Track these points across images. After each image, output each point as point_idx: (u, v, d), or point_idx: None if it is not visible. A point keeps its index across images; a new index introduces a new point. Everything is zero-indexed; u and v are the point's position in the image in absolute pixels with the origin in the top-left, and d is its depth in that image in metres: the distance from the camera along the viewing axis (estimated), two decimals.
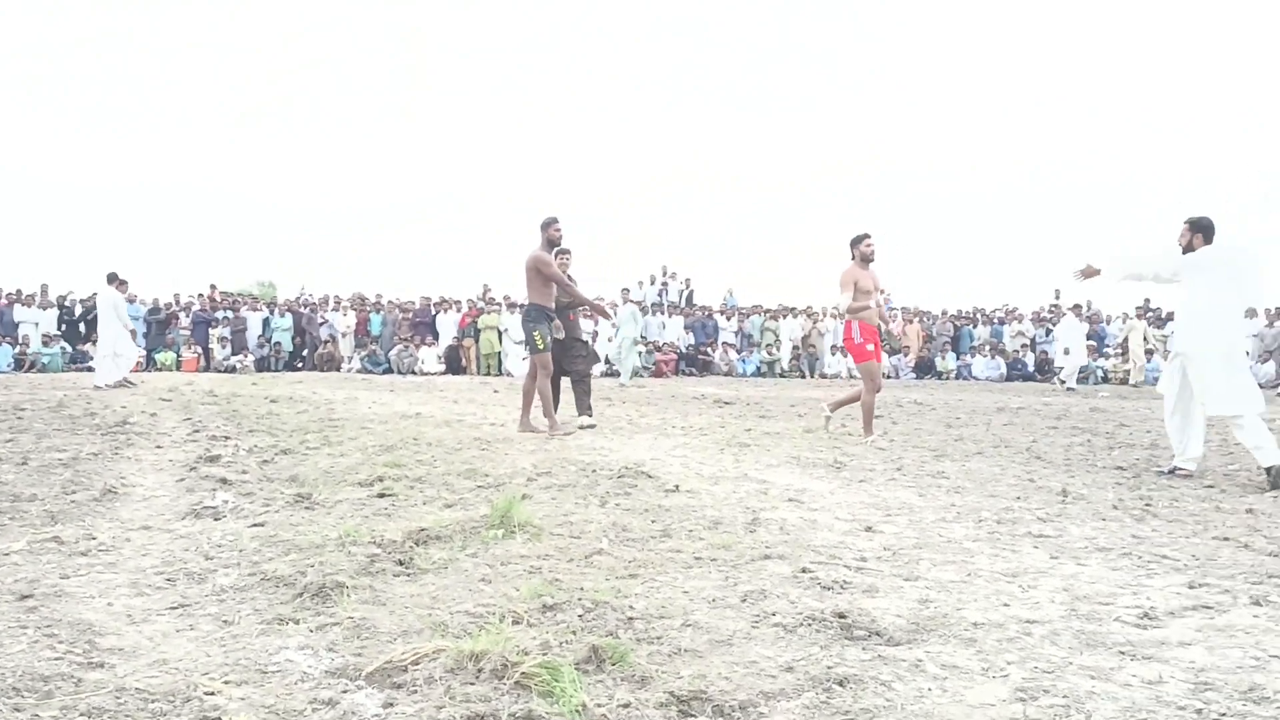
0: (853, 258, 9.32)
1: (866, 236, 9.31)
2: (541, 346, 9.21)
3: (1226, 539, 4.66)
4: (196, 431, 9.02)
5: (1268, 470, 6.52)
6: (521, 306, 10.42)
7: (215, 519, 4.96)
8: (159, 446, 7.98)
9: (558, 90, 62.99)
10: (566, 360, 9.81)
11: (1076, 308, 23.38)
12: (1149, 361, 24.34)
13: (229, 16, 59.07)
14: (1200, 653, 2.94)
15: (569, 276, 9.72)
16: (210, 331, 24.63)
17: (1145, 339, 24.37)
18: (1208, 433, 7.33)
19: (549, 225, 9.36)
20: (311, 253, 51.46)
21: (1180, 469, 7.11)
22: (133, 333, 18.57)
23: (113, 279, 17.43)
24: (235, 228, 54.15)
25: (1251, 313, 22.74)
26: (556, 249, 9.49)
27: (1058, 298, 28.64)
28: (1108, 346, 26.41)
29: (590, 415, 9.91)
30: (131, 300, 24.32)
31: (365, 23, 62.46)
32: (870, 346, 9.34)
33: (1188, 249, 7.14)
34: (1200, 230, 7.14)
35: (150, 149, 55.68)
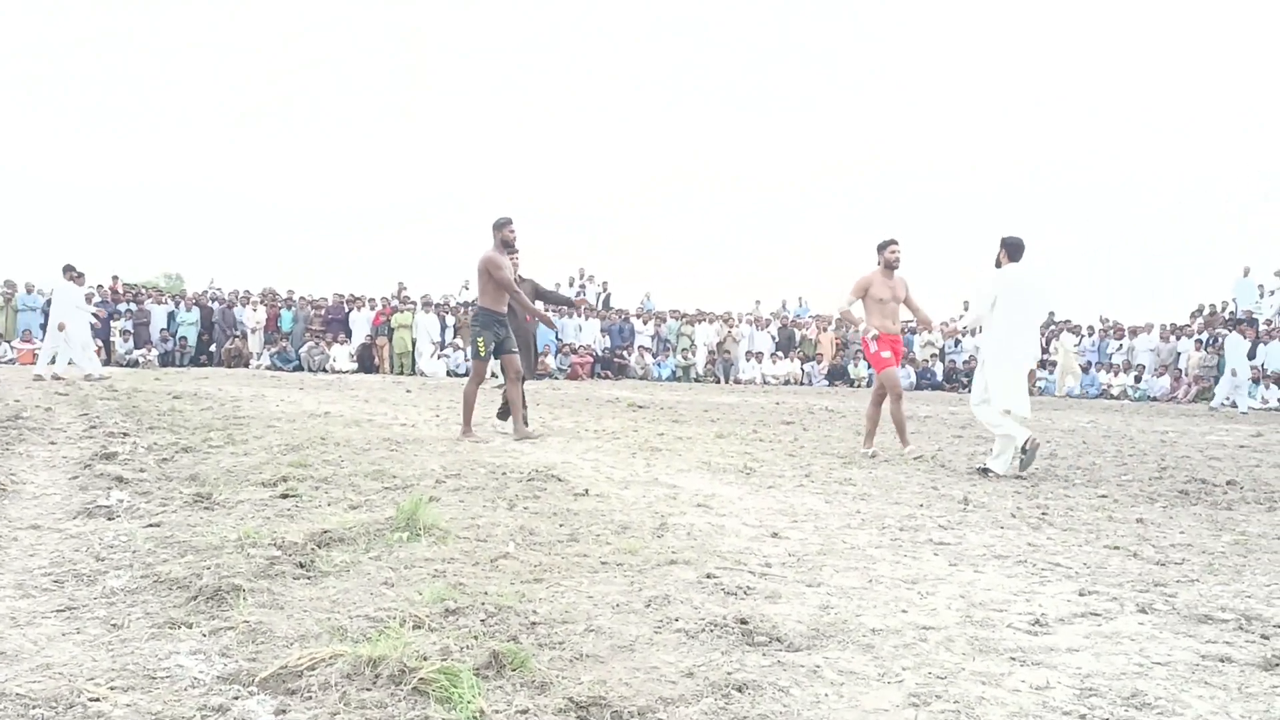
0: (877, 263, 9.02)
1: (892, 243, 9.01)
2: (483, 353, 9.05)
3: (1117, 548, 4.82)
4: (93, 428, 8.73)
5: (982, 470, 7.71)
6: (471, 307, 10.24)
7: (108, 519, 4.81)
8: (53, 443, 7.70)
9: (558, 90, 62.87)
10: (525, 365, 9.76)
11: (1241, 324, 22.81)
12: (1051, 373, 25.07)
13: (229, 16, 57.82)
14: (1087, 659, 3.04)
15: (518, 276, 9.60)
16: (111, 324, 23.85)
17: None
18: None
19: (503, 226, 9.11)
20: (311, 252, 50.52)
21: (992, 470, 7.71)
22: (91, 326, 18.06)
23: (68, 270, 16.99)
24: (232, 227, 53.11)
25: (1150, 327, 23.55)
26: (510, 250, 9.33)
27: (966, 308, 29.28)
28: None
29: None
30: (30, 290, 23.51)
31: (365, 22, 61.76)
32: (887, 354, 9.04)
33: (997, 264, 7.90)
34: (1007, 248, 7.86)
35: (147, 148, 54.61)
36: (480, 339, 9.09)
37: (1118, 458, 9.25)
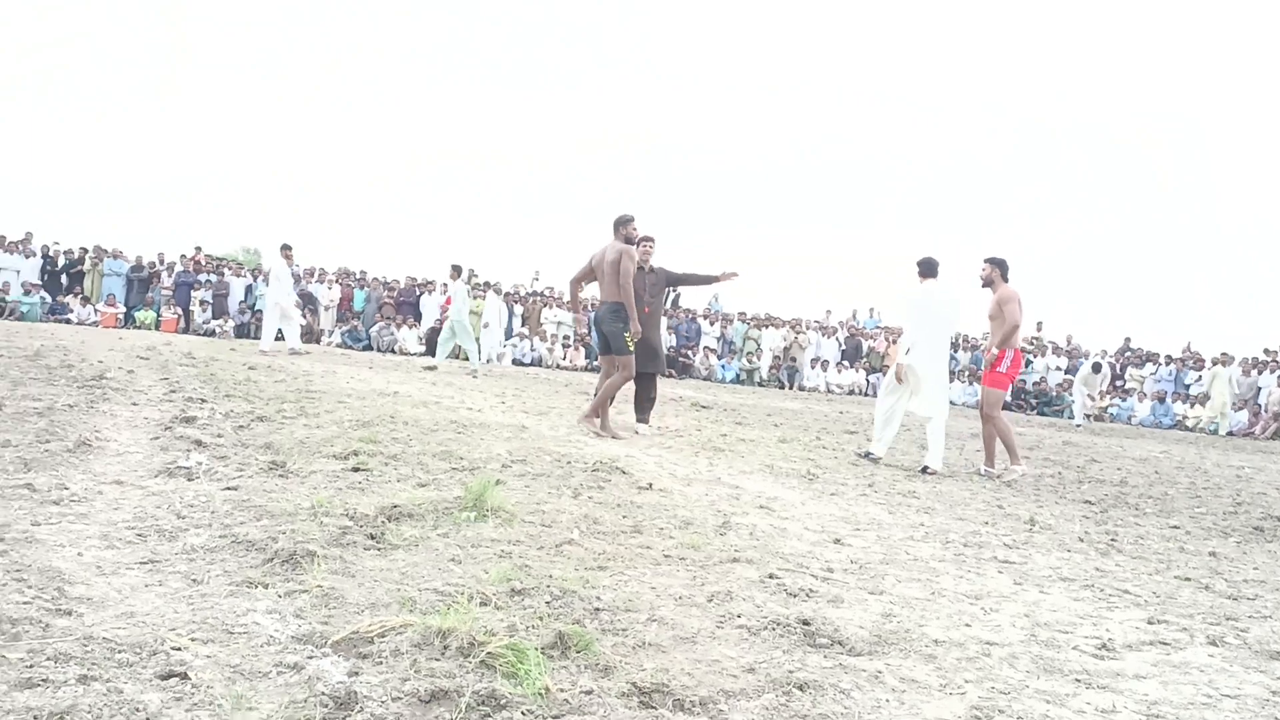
0: (1005, 279, 8.83)
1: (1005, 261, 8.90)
2: (631, 347, 8.94)
3: (1188, 579, 4.73)
4: (173, 392, 8.98)
5: (924, 469, 8.47)
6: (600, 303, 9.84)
7: (188, 479, 4.96)
8: (134, 404, 7.94)
9: (321, 65, 62.36)
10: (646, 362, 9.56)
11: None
12: (1125, 401, 24.57)
13: None
14: (1154, 686, 3.00)
15: (650, 266, 9.54)
16: (192, 294, 24.47)
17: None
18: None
19: (626, 224, 8.94)
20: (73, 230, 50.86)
21: (873, 454, 8.77)
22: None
23: (284, 249, 17.93)
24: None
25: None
26: (643, 239, 9.33)
27: (1039, 329, 28.84)
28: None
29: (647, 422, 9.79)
30: (116, 256, 24.23)
31: None
32: (1003, 369, 8.90)
33: (918, 279, 8.80)
34: (920, 267, 8.77)
35: None
36: (626, 334, 8.92)
37: (1191, 490, 9.05)
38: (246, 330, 24.32)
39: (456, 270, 18.26)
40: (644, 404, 9.84)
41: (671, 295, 29.86)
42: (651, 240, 9.58)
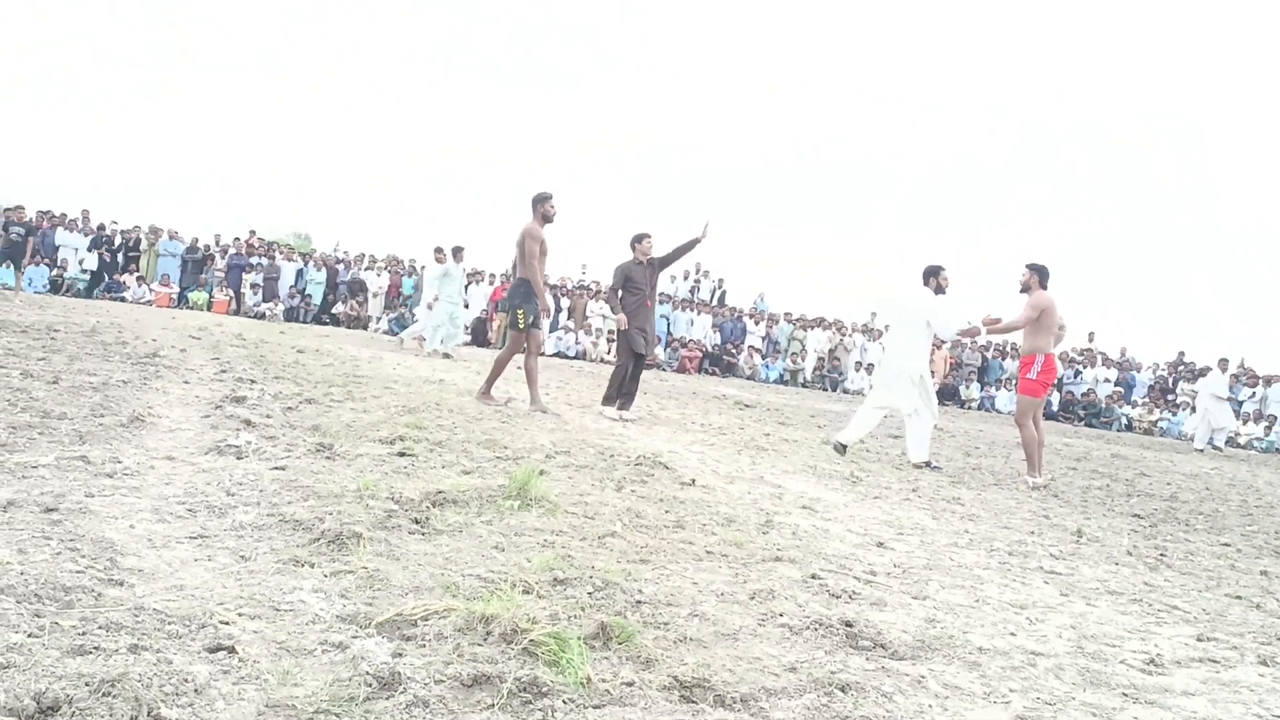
0: (1044, 286, 8.74)
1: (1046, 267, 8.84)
2: (523, 325, 9.15)
3: (1239, 597, 4.64)
4: (224, 372, 9.11)
5: (926, 464, 8.79)
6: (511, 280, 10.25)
7: (238, 458, 5.02)
8: (186, 382, 8.06)
9: (321, 65, 62.19)
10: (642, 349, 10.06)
11: (1223, 361, 21.49)
12: (1175, 415, 24.13)
13: None
14: (1203, 704, 2.94)
15: (648, 259, 9.98)
16: (244, 276, 24.81)
17: None
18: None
19: (544, 201, 9.13)
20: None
21: (841, 442, 8.96)
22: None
23: (457, 252, 17.76)
24: None
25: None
26: (639, 234, 9.86)
27: (1091, 340, 28.44)
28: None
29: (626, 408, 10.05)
30: (172, 237, 24.61)
31: None
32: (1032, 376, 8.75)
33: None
34: (928, 276, 9.13)
35: None
36: (521, 310, 9.13)
37: (1243, 507, 8.87)
38: (296, 314, 24.63)
39: (457, 251, 17.96)
40: (629, 391, 10.16)
41: (717, 292, 29.82)
42: (649, 236, 10.02)
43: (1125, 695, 2.92)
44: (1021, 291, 8.75)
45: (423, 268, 19.67)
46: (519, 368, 10.46)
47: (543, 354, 23.52)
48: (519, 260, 9.27)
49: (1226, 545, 6.34)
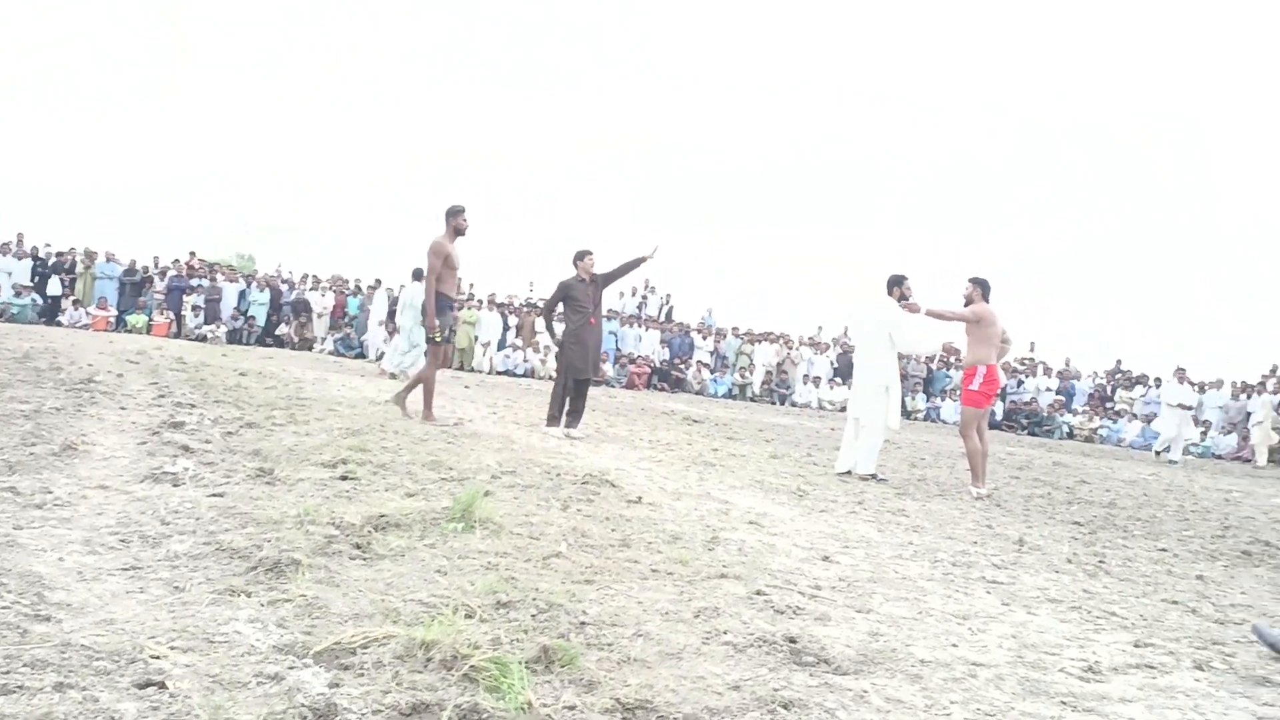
0: (985, 299, 8.90)
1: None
2: (438, 338, 9.09)
3: (1175, 602, 4.72)
4: (162, 396, 8.93)
5: (872, 476, 8.81)
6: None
7: (174, 485, 4.92)
8: (123, 408, 7.90)
9: (321, 65, 62.18)
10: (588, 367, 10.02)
11: (1179, 371, 21.05)
12: (1115, 423, 24.57)
13: None
14: (1140, 710, 2.98)
15: (593, 276, 9.98)
16: (184, 298, 24.39)
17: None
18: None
19: (456, 214, 9.13)
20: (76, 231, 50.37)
21: (864, 475, 8.83)
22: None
23: (419, 275, 17.43)
24: None
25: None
26: (581, 251, 9.85)
27: (1032, 349, 28.89)
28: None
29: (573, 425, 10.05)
30: (109, 259, 24.16)
31: None
32: (975, 388, 8.87)
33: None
34: (892, 286, 9.10)
35: None
36: (438, 324, 9.07)
37: (1179, 513, 9.05)
38: (239, 336, 24.24)
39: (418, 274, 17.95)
40: (577, 410, 10.13)
41: (664, 308, 29.89)
42: (590, 253, 9.99)
43: (1064, 704, 2.95)
44: (965, 306, 8.90)
45: (401, 287, 19.53)
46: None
47: (491, 372, 23.52)
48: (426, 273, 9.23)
49: (1163, 551, 6.46)
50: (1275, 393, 23.37)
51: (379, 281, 25.82)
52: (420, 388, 9.41)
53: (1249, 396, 24.33)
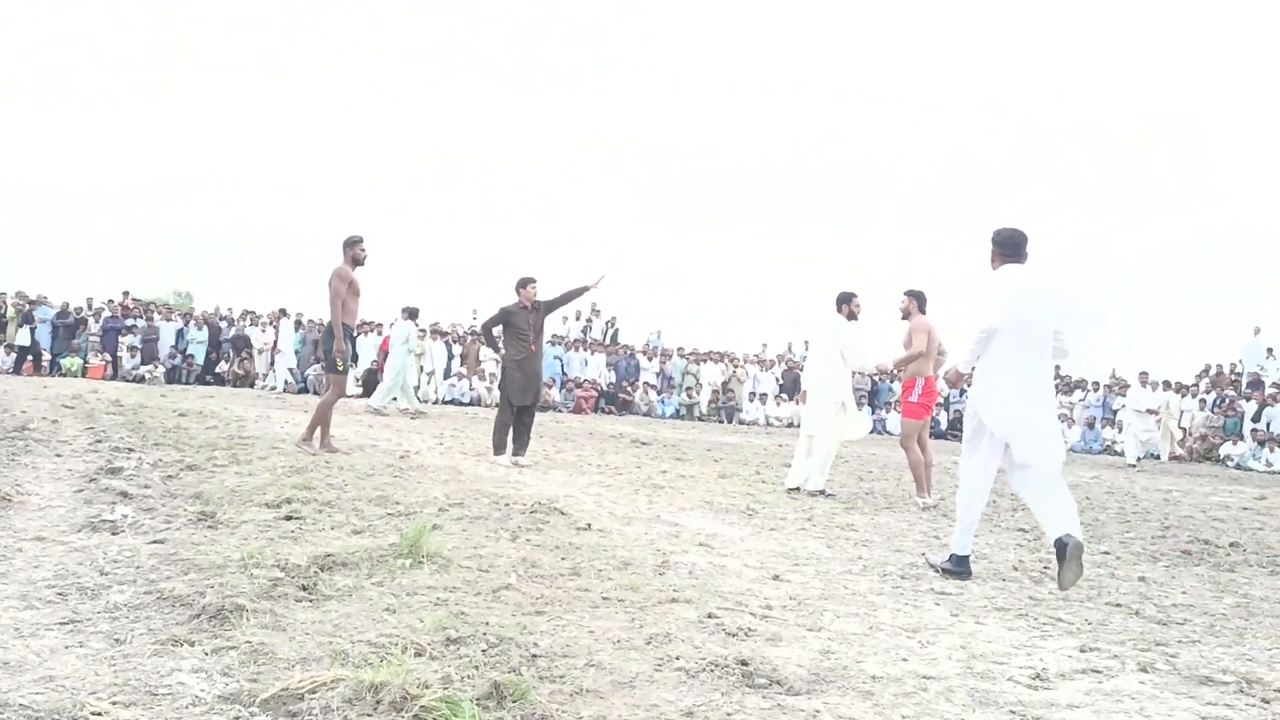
0: (922, 311, 9.01)
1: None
2: (342, 368, 9.09)
3: (1119, 605, 4.81)
4: (99, 441, 8.75)
5: (820, 492, 8.94)
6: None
7: (113, 533, 4.82)
8: (58, 455, 7.73)
9: (321, 65, 61.93)
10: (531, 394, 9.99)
11: (1143, 375, 21.39)
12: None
13: None
14: (1087, 715, 3.03)
15: (535, 303, 9.94)
16: (120, 339, 23.92)
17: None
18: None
19: (354, 244, 9.21)
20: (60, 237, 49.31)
21: (814, 491, 8.96)
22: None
23: (409, 313, 17.93)
24: None
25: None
26: (524, 279, 9.86)
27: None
28: None
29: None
30: (41, 302, 23.61)
31: None
32: (914, 400, 9.03)
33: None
34: (840, 304, 9.29)
35: None
36: (340, 354, 9.08)
37: (1121, 515, 9.23)
38: (178, 375, 23.81)
39: (409, 312, 18.26)
40: (521, 437, 10.09)
41: (609, 331, 29.91)
42: (534, 281, 9.99)
43: (1013, 713, 2.99)
44: (903, 318, 9.03)
45: (392, 324, 19.76)
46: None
47: (438, 401, 23.33)
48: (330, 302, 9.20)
49: (1106, 553, 6.58)
50: (1195, 395, 23.92)
51: (284, 311, 25.74)
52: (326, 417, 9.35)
53: (1184, 398, 24.85)
